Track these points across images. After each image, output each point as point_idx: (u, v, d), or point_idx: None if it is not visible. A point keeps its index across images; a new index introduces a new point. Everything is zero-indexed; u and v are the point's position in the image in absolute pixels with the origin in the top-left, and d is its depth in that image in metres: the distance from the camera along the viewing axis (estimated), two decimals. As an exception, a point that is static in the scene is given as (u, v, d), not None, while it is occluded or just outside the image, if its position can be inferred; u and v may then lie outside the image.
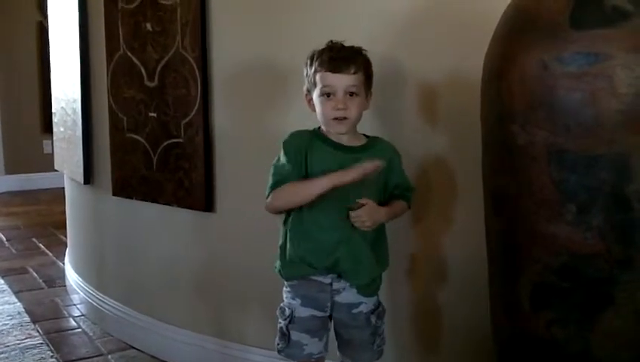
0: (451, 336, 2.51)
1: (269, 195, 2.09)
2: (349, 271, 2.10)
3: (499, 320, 1.89)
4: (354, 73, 2.03)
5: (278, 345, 2.20)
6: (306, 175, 2.06)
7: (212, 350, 2.99)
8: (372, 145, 2.14)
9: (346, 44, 2.09)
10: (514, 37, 1.73)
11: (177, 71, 2.96)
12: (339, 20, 2.52)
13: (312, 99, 2.11)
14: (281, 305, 2.20)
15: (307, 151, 2.08)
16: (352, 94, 2.04)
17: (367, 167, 1.95)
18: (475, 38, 1.95)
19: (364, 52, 2.10)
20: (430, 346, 2.57)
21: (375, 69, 2.13)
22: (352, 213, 2.04)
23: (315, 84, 2.07)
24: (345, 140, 2.11)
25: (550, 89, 1.61)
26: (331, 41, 2.10)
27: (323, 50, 2.08)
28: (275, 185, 2.07)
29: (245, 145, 2.81)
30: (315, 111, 2.10)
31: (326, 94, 2.04)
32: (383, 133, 2.28)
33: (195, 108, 2.90)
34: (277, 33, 2.69)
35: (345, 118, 2.04)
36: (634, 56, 1.53)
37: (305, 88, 2.13)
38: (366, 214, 2.04)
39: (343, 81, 2.02)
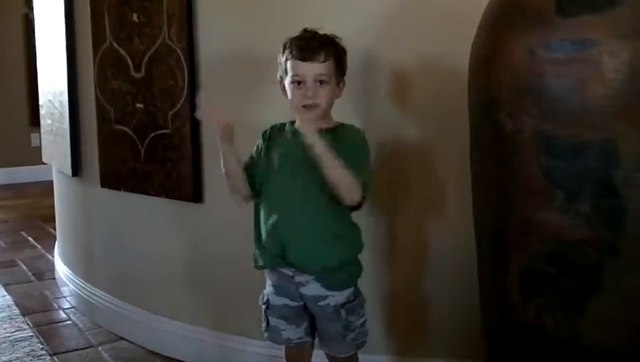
0: (440, 325, 2.52)
1: None
2: (297, 258, 2.09)
3: (488, 308, 1.89)
4: (323, 61, 2.03)
5: (262, 328, 2.25)
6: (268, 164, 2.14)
7: (202, 341, 2.99)
8: (334, 131, 2.11)
9: (322, 32, 2.08)
10: (501, 24, 1.73)
11: (164, 62, 2.94)
12: (325, 10, 2.52)
13: (285, 85, 2.11)
14: (263, 290, 2.24)
15: (269, 141, 2.15)
16: (321, 82, 2.04)
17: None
18: (456, 26, 1.96)
19: (337, 40, 2.10)
20: (418, 335, 2.58)
21: (358, 58, 2.13)
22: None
23: (286, 72, 2.08)
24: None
25: (537, 76, 1.61)
26: (305, 29, 2.10)
27: (295, 38, 2.08)
28: None
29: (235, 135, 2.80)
30: (287, 97, 2.11)
31: (296, 82, 2.05)
32: (365, 121, 2.28)
33: (182, 99, 2.89)
34: (263, 23, 2.67)
35: (314, 106, 2.04)
36: (620, 43, 1.53)
37: (278, 75, 2.14)
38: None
39: (312, 69, 2.03)
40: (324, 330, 2.19)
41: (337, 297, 2.13)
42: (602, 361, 1.67)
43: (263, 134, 2.20)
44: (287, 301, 2.16)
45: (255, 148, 2.19)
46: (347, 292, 2.14)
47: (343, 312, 2.13)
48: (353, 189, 1.99)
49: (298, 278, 2.12)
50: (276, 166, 2.11)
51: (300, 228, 2.08)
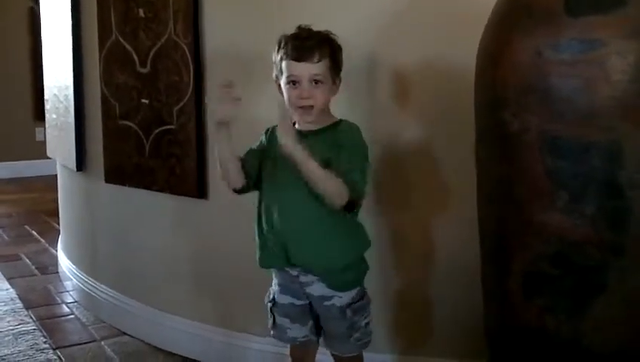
0: (442, 325, 2.52)
1: None
2: (299, 259, 2.08)
3: (490, 308, 1.89)
4: (318, 61, 2.02)
5: (268, 325, 2.24)
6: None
7: (205, 337, 2.99)
8: (327, 129, 2.09)
9: (316, 28, 2.07)
10: (508, 24, 1.72)
11: (170, 57, 2.94)
12: (330, 6, 2.52)
13: (280, 84, 2.10)
14: (270, 287, 2.24)
15: (272, 136, 2.11)
16: (317, 82, 2.02)
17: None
18: (457, 26, 1.96)
19: (332, 37, 2.08)
20: (421, 334, 2.58)
21: (358, 58, 2.13)
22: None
23: (281, 72, 2.07)
24: (310, 126, 2.09)
25: (544, 76, 1.61)
26: (299, 27, 2.08)
27: (289, 36, 2.06)
28: None
29: (237, 131, 2.79)
30: (283, 96, 2.10)
31: (292, 82, 2.04)
32: (367, 122, 2.28)
33: (188, 94, 2.89)
34: (269, 19, 2.67)
35: (310, 107, 2.03)
36: (628, 43, 1.53)
37: (274, 74, 2.12)
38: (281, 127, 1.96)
39: (307, 69, 2.01)
40: (329, 330, 2.18)
41: (343, 298, 2.11)
42: (604, 362, 1.68)
43: (265, 132, 2.19)
44: (292, 300, 2.16)
45: (258, 143, 2.19)
46: (353, 292, 2.13)
47: (348, 312, 2.12)
48: (337, 194, 1.95)
49: (303, 278, 2.12)
50: (277, 165, 2.07)
51: (300, 228, 2.06)
